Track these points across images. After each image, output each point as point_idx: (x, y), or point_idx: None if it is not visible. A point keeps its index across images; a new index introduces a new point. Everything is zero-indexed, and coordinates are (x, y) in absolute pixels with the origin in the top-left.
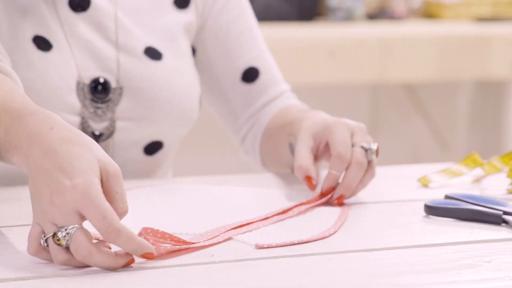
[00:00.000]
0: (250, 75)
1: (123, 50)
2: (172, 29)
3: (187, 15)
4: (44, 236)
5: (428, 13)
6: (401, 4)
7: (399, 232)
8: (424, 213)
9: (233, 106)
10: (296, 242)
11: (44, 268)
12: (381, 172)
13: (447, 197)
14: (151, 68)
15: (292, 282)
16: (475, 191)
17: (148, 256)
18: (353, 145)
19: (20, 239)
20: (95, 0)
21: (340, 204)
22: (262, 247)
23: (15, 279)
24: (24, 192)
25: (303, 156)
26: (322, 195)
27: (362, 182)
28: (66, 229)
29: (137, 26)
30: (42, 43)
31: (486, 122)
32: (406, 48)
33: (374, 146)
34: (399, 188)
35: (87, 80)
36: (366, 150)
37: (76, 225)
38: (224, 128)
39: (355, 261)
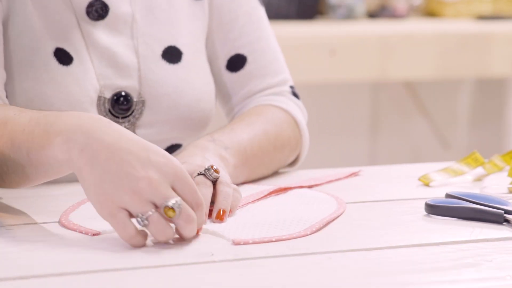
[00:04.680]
0: (235, 63)
1: (141, 56)
2: (191, 25)
3: (202, 11)
4: (142, 215)
5: (429, 11)
6: (401, 2)
7: (399, 231)
8: (424, 212)
9: (220, 90)
10: (274, 239)
11: (44, 268)
12: (382, 171)
13: (448, 195)
14: (170, 73)
15: (293, 281)
16: (476, 190)
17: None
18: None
19: (20, 238)
20: (113, 7)
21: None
22: (239, 244)
23: (15, 279)
24: (24, 192)
25: None
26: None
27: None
28: (175, 200)
29: (155, 25)
30: (63, 57)
31: (487, 120)
32: (406, 46)
33: (208, 168)
34: (399, 187)
35: (108, 93)
36: (203, 174)
37: (177, 197)
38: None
39: (356, 260)
